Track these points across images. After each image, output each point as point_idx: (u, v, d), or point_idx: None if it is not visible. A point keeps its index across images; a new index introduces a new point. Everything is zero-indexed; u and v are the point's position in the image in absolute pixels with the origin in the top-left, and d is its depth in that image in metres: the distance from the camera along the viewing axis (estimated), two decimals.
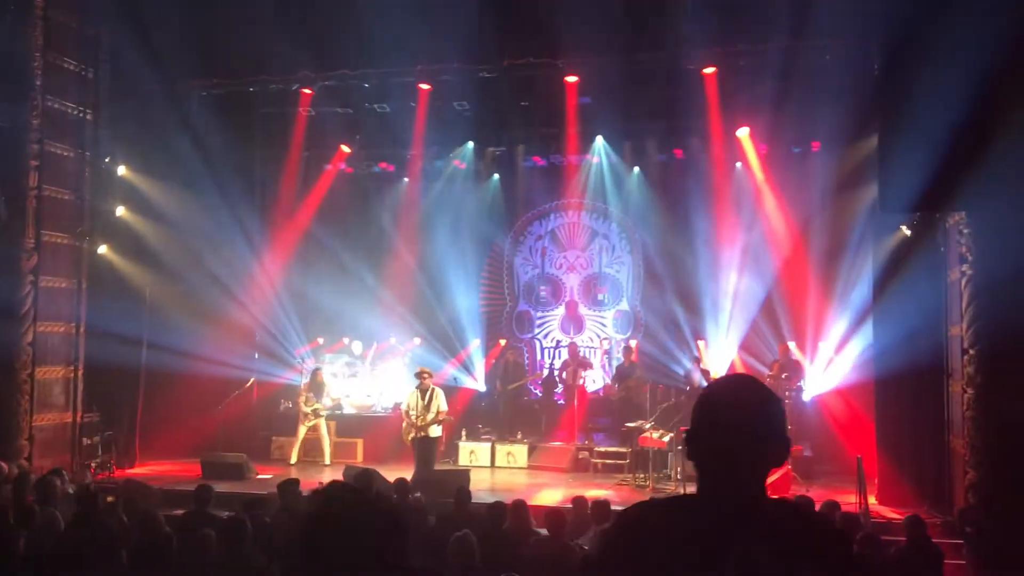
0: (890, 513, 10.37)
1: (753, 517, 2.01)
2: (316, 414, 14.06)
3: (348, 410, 15.77)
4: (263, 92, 13.95)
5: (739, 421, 2.04)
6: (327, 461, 14.05)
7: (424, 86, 13.95)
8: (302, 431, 14.15)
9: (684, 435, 2.13)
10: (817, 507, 8.04)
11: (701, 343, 15.70)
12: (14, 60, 11.49)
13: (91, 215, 12.91)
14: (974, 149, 8.72)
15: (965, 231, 9.71)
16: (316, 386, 14.26)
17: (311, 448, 14.37)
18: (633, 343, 16.28)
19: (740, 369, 15.28)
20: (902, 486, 10.88)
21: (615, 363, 16.35)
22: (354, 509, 2.24)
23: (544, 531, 6.96)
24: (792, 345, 14.62)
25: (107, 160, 13.18)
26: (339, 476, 11.69)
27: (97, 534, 6.63)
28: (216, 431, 13.70)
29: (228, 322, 14.91)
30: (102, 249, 13.12)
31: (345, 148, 16.37)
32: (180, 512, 8.32)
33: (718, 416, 2.07)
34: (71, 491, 8.66)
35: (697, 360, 14.46)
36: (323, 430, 14.19)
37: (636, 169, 16.55)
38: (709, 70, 12.96)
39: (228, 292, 14.80)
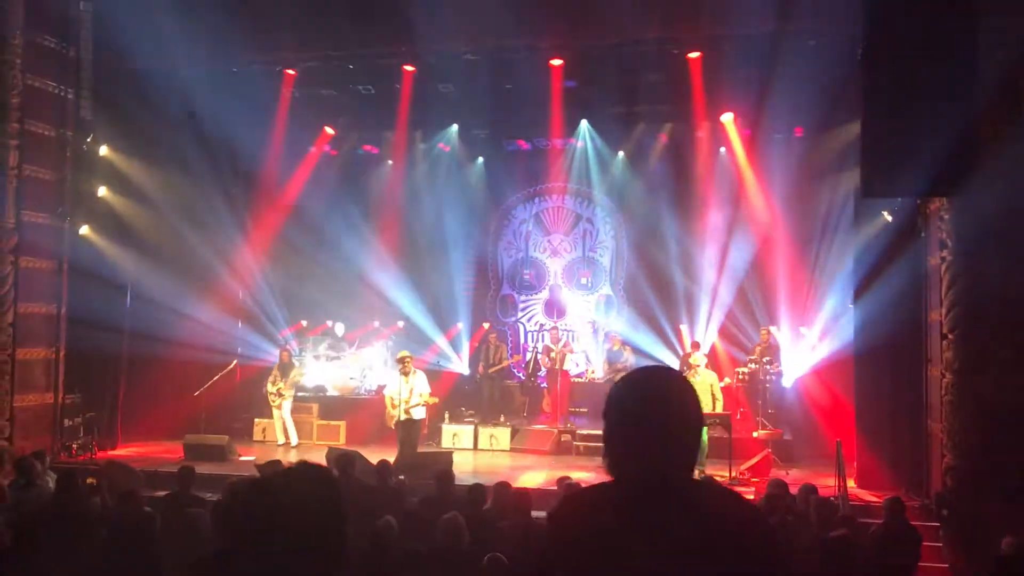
0: (868, 496, 10.49)
1: (673, 497, 2.06)
2: (280, 394, 14.04)
3: (331, 392, 15.78)
4: (247, 72, 13.83)
5: (658, 407, 2.10)
6: (280, 441, 14.06)
7: (408, 68, 13.89)
8: (276, 412, 14.17)
9: (604, 424, 2.18)
10: (794, 490, 8.13)
11: (683, 327, 15.78)
12: None
13: (72, 195, 12.82)
14: (956, 136, 8.78)
15: (945, 217, 9.77)
16: (283, 367, 14.24)
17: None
18: (616, 327, 16.32)
19: (721, 354, 15.40)
20: (880, 469, 11.00)
21: (601, 347, 16.41)
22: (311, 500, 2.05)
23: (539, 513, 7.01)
24: (773, 329, 14.71)
25: (89, 139, 13.06)
26: (301, 458, 11.70)
27: (77, 515, 6.63)
28: (198, 412, 13.66)
29: (211, 303, 14.86)
30: (84, 230, 13.03)
31: (329, 130, 16.31)
32: (162, 493, 8.32)
33: (638, 403, 2.13)
34: (52, 473, 8.64)
35: (696, 345, 14.52)
36: (285, 411, 14.15)
37: (620, 153, 16.57)
38: (694, 55, 12.96)
39: (211, 274, 14.75)
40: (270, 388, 14.08)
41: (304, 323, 16.76)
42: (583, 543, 2.08)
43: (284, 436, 14.14)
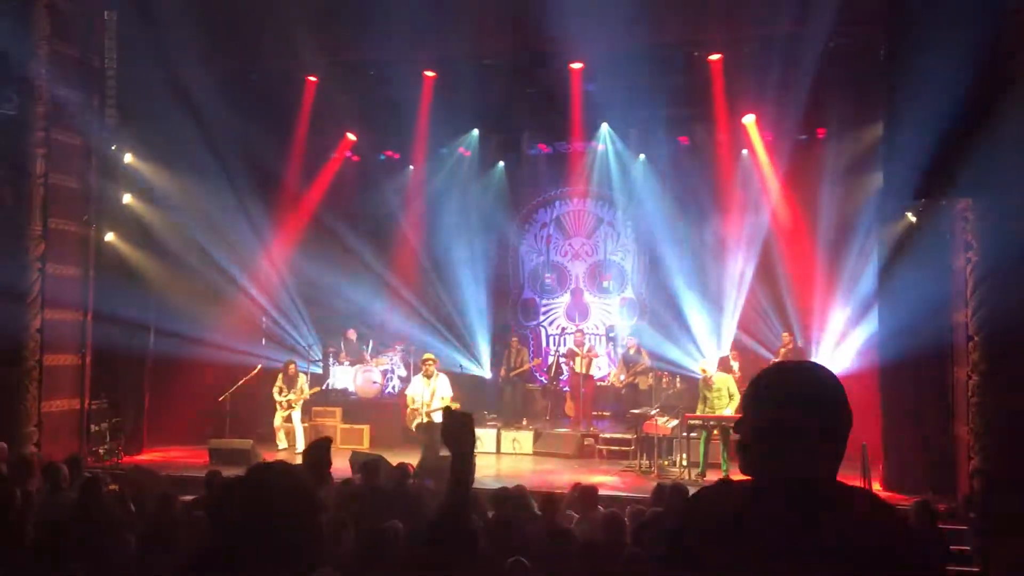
0: (895, 499, 10.40)
1: (824, 502, 2.01)
2: (289, 405, 14.07)
3: (354, 396, 15.83)
4: (270, 78, 13.92)
5: (808, 407, 2.02)
6: (298, 449, 14.03)
7: (429, 73, 13.93)
8: (277, 419, 14.17)
9: (741, 419, 2.11)
10: None
11: (706, 330, 15.70)
12: (19, 48, 11.49)
13: (98, 202, 12.96)
14: (980, 135, 8.70)
15: (970, 217, 9.70)
16: (288, 378, 14.22)
17: (312, 437, 14.43)
18: (634, 339, 16.21)
19: (744, 357, 15.30)
20: (906, 472, 10.91)
21: (620, 350, 16.37)
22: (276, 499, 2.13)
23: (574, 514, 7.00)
24: (796, 332, 14.61)
25: (113, 147, 13.19)
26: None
27: (100, 521, 6.68)
28: (223, 417, 13.76)
29: (235, 309, 14.96)
30: (109, 236, 13.16)
31: (351, 136, 16.39)
32: (189, 498, 8.37)
33: (788, 401, 2.05)
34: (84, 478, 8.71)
35: (724, 361, 14.45)
36: (295, 420, 14.13)
37: (641, 156, 16.53)
38: (715, 57, 12.93)
39: (235, 279, 14.85)
40: (278, 397, 14.09)
41: (328, 328, 16.82)
42: (724, 538, 2.02)
43: (286, 441, 14.12)
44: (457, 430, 2.69)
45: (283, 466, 2.24)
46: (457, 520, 2.47)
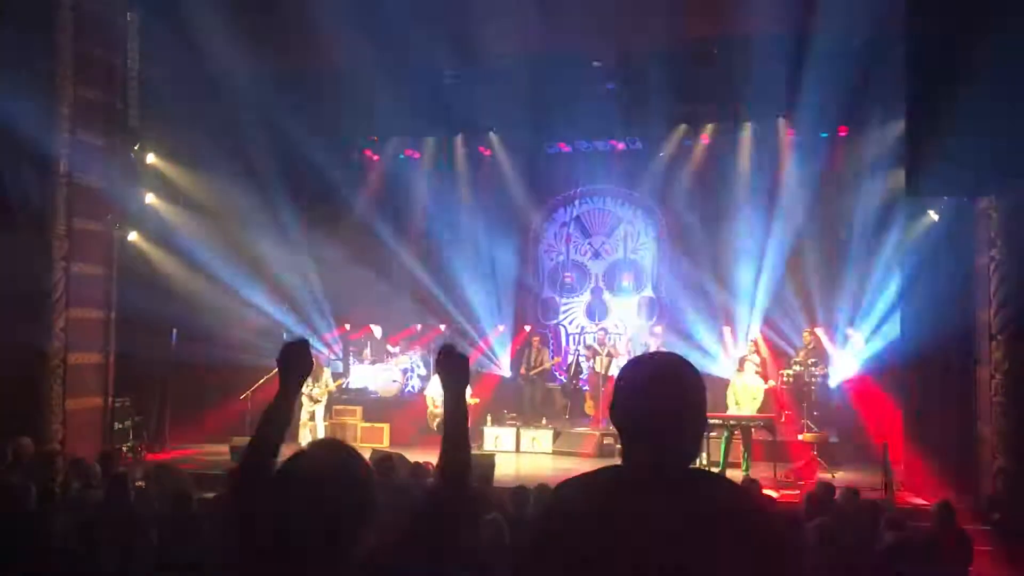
0: (916, 499, 10.35)
1: (674, 486, 2.07)
2: (313, 399, 14.11)
3: (374, 395, 15.88)
4: (289, 79, 13.97)
5: (666, 394, 2.12)
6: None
7: (449, 72, 13.94)
8: (304, 414, 14.20)
9: (611, 404, 2.23)
10: (838, 493, 8.03)
11: (727, 329, 15.65)
12: (44, 49, 11.60)
13: (121, 202, 13.06)
14: (1003, 132, 8.63)
15: (994, 216, 9.63)
16: (313, 372, 14.15)
17: (336, 433, 14.51)
18: (658, 329, 16.21)
19: (766, 356, 15.23)
20: (928, 472, 10.84)
21: (642, 349, 16.33)
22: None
23: None
24: (819, 331, 14.53)
25: (136, 147, 13.31)
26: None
27: (126, 518, 6.74)
28: (245, 415, 13.84)
29: (257, 307, 15.03)
30: (132, 236, 13.28)
31: (372, 136, 16.43)
32: (211, 495, 8.44)
33: (645, 388, 2.16)
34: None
35: (755, 343, 14.43)
36: (318, 418, 14.14)
37: (661, 154, 16.47)
38: (735, 54, 12.87)
39: (257, 277, 14.92)
40: (304, 390, 14.09)
41: (347, 327, 16.87)
42: (577, 521, 2.09)
43: (310, 439, 14.17)
44: (454, 368, 2.68)
45: (336, 450, 2.28)
46: (457, 464, 2.49)
